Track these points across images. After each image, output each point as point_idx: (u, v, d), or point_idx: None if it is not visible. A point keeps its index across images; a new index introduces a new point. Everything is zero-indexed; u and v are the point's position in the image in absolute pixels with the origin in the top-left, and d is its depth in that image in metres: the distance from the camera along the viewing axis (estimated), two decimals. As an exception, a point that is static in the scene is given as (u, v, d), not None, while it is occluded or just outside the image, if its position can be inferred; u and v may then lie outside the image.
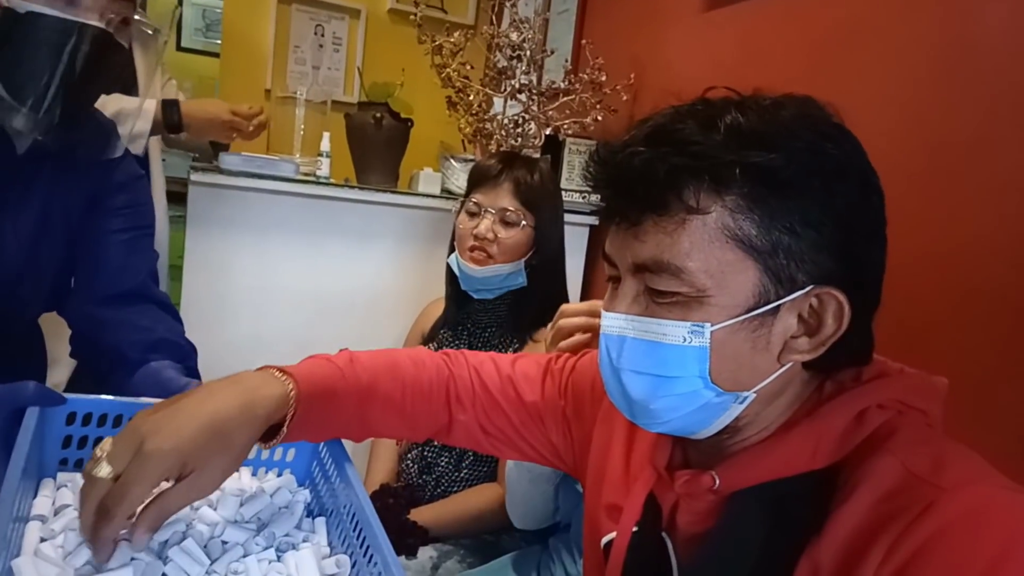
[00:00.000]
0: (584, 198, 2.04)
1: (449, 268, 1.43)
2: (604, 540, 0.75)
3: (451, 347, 1.42)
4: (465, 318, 1.44)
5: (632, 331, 0.60)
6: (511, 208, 1.34)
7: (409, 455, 1.45)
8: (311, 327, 1.83)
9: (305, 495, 0.79)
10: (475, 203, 1.36)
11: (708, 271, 0.56)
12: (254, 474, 0.82)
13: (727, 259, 0.56)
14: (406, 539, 1.32)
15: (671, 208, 0.56)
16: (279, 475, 0.82)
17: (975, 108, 1.09)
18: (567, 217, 1.97)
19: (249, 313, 1.77)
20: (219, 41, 2.75)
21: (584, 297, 2.08)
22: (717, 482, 0.62)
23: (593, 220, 2.05)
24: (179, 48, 4.12)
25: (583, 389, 0.84)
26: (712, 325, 0.57)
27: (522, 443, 0.87)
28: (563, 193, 1.99)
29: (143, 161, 1.84)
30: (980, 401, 1.04)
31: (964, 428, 1.04)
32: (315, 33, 2.71)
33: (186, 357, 1.08)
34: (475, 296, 1.40)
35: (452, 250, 1.43)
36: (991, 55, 1.07)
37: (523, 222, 1.34)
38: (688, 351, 0.58)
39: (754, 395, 0.59)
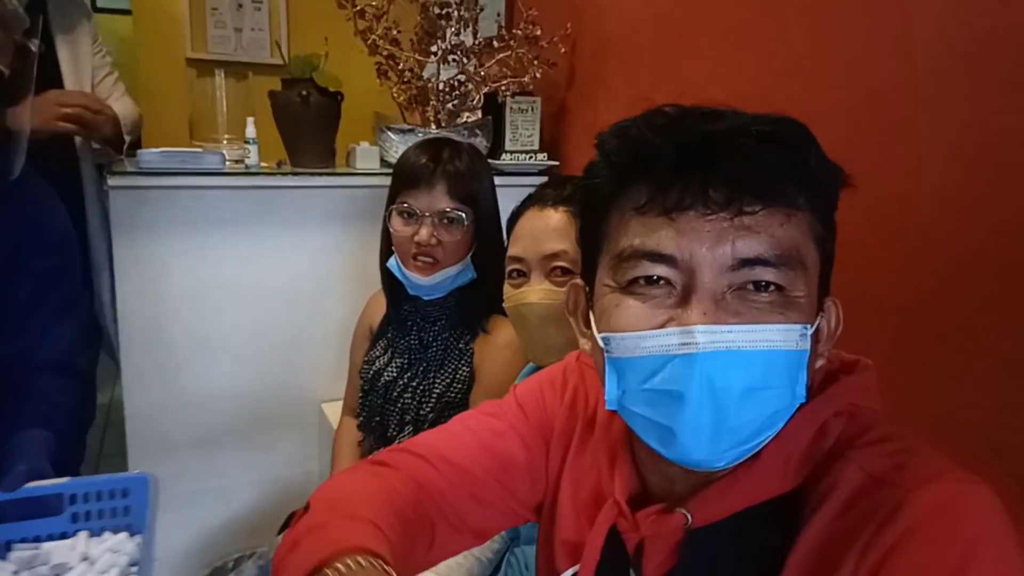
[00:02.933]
0: (529, 157, 1.96)
1: (387, 271, 1.36)
2: None
3: (401, 344, 1.38)
4: (412, 314, 1.38)
5: (743, 342, 0.52)
6: (450, 208, 1.26)
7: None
8: (257, 322, 1.76)
9: (132, 547, 0.85)
10: (408, 206, 1.28)
11: (810, 269, 0.55)
12: (95, 533, 0.88)
13: (813, 259, 0.56)
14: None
15: (781, 200, 0.54)
16: (116, 531, 0.89)
17: (919, 54, 1.04)
18: (512, 180, 1.92)
19: (190, 314, 1.69)
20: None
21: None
22: (690, 520, 0.59)
23: (541, 179, 1.98)
24: (96, 9, 3.84)
25: (536, 424, 0.77)
26: (810, 327, 0.55)
27: (505, 506, 0.76)
28: (508, 155, 1.93)
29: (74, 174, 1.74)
30: (929, 370, 1.03)
31: (912, 399, 1.04)
32: (232, -8, 2.52)
33: (62, 434, 1.00)
34: (425, 298, 1.35)
35: (388, 253, 1.35)
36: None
37: (465, 220, 1.27)
38: (801, 356, 0.54)
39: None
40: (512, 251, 1.09)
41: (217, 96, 1.77)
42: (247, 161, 1.69)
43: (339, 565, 0.51)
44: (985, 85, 0.95)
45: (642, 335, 0.54)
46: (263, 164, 1.74)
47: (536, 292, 1.04)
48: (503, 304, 1.12)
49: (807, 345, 0.54)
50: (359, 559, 0.52)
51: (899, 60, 1.07)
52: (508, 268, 1.10)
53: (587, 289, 0.64)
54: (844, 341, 0.63)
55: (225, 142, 1.76)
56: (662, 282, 0.54)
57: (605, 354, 0.58)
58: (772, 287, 0.53)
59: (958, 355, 1.00)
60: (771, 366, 0.53)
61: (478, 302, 1.33)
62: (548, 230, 1.05)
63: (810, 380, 0.57)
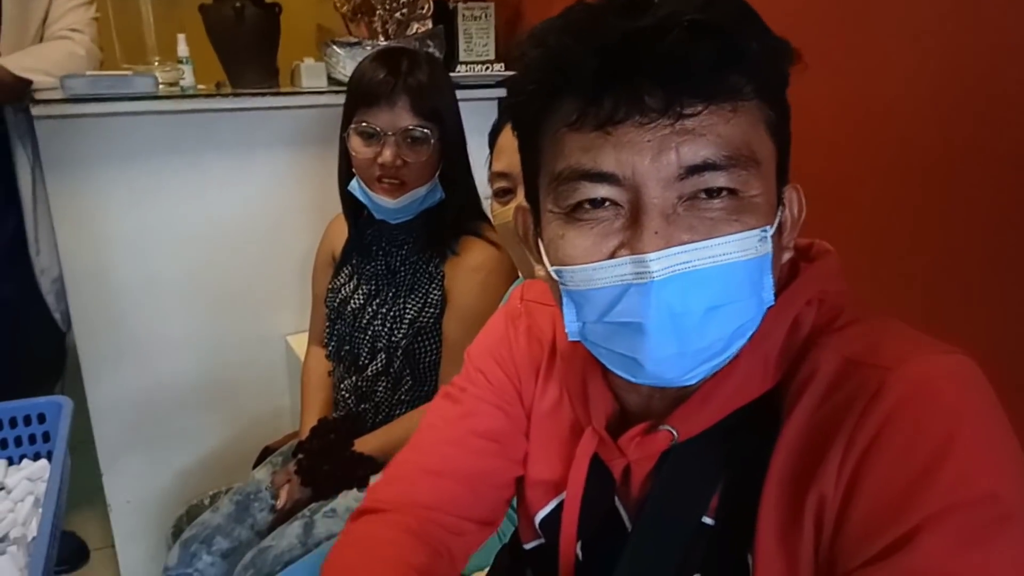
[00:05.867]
0: (486, 68, 1.87)
1: (348, 194, 1.28)
2: (539, 517, 0.70)
3: (367, 270, 1.33)
4: (376, 238, 1.32)
5: (699, 260, 0.48)
6: (414, 125, 1.17)
7: (343, 384, 1.38)
8: (207, 258, 1.67)
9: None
10: (368, 125, 1.18)
11: (764, 163, 0.51)
12: (14, 461, 0.85)
13: (767, 150, 0.51)
14: (356, 472, 1.29)
15: (725, 94, 0.48)
16: (36, 458, 0.86)
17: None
18: (470, 93, 1.83)
19: (132, 255, 1.60)
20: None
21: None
22: (676, 436, 0.57)
23: (501, 92, 1.89)
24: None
25: (500, 384, 0.74)
26: (770, 227, 0.50)
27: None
28: (463, 67, 1.84)
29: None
30: (901, 259, 1.03)
31: (888, 289, 1.04)
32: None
33: None
34: (392, 222, 1.28)
35: (348, 175, 1.27)
36: None
37: (431, 137, 1.18)
38: (763, 261, 0.50)
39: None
40: (496, 167, 1.01)
41: (143, 13, 1.62)
42: (182, 83, 1.57)
43: None
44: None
45: (595, 267, 0.51)
46: (200, 86, 1.62)
47: None
48: (492, 223, 1.06)
49: (768, 248, 0.50)
50: None
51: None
52: (494, 186, 1.03)
53: (534, 212, 0.59)
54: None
55: (156, 64, 1.63)
56: (607, 204, 0.50)
57: (560, 286, 0.54)
58: (724, 192, 0.49)
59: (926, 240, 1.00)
60: (731, 279, 0.49)
61: (446, 223, 1.27)
62: None
63: (776, 277, 0.53)
